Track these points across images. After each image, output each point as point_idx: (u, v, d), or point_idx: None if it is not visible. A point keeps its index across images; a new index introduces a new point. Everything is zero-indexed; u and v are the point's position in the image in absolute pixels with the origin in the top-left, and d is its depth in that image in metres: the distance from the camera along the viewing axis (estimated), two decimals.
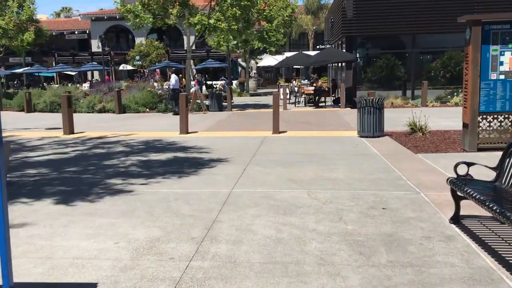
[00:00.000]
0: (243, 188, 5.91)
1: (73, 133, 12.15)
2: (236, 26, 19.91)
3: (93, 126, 14.67)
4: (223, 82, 31.92)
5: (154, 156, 8.50)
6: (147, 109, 20.32)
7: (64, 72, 41.03)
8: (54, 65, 42.61)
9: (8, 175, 6.66)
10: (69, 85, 36.89)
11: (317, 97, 21.17)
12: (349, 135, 10.90)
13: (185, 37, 21.26)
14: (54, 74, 42.76)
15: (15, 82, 43.22)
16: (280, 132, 11.51)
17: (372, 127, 10.43)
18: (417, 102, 19.41)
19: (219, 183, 6.23)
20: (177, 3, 19.55)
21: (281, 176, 6.60)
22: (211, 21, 19.44)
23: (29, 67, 40.22)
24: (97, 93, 22.84)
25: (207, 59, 39.29)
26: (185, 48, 21.38)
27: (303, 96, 22.89)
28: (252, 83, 37.53)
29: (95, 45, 42.73)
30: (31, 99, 22.21)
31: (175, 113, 16.90)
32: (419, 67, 21.33)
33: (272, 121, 11.54)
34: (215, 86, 30.62)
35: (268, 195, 5.55)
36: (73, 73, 43.30)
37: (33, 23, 29.47)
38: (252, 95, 32.05)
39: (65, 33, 48.38)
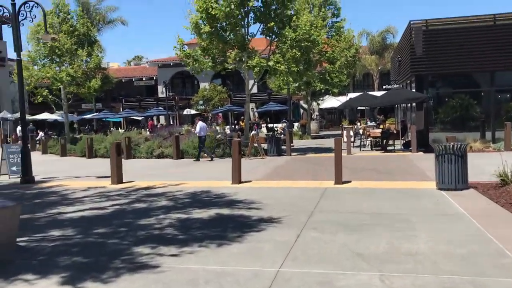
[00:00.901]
0: (294, 267, 4.63)
1: (121, 182, 11.47)
2: (296, 68, 19.04)
3: (145, 173, 14.03)
4: (283, 124, 31.00)
5: (197, 213, 7.44)
6: (205, 154, 19.63)
7: (131, 117, 42.10)
8: (121, 110, 43.91)
9: (28, 237, 5.83)
10: (134, 129, 37.64)
11: (384, 140, 19.55)
12: (426, 187, 9.31)
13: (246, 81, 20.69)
14: (121, 119, 43.96)
15: (86, 127, 44.90)
16: (343, 183, 10.14)
17: (454, 178, 8.81)
18: (500, 146, 17.26)
19: (265, 257, 4.99)
20: (236, 47, 19.08)
21: (345, 247, 5.24)
22: (270, 63, 18.71)
23: (97, 113, 41.71)
24: (157, 138, 22.61)
25: (268, 102, 38.80)
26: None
27: (369, 139, 21.32)
28: (314, 125, 36.32)
29: (161, 91, 43.75)
30: (93, 144, 22.33)
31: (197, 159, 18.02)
32: (498, 106, 19.24)
33: (334, 168, 10.23)
34: (275, 128, 29.77)
35: (327, 279, 4.23)
36: (139, 118, 44.36)
37: (100, 71, 30.31)
38: (314, 137, 30.78)
39: (133, 80, 50.19)
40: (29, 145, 25.82)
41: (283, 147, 19.63)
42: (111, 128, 41.47)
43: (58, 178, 13.15)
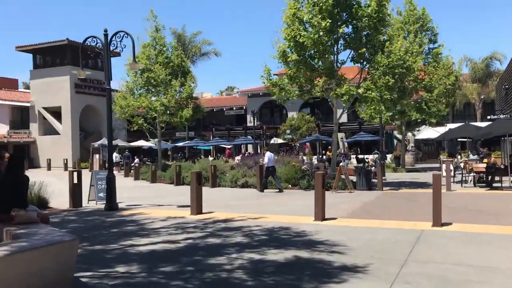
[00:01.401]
0: None
1: (200, 213, 11.11)
2: (389, 96, 17.86)
3: (227, 204, 13.63)
4: (375, 156, 29.43)
5: (272, 254, 6.71)
6: (289, 185, 18.94)
7: (220, 145, 42.79)
8: (211, 138, 44.87)
9: (92, 273, 5.49)
10: (222, 158, 38.10)
11: (490, 176, 17.50)
12: None
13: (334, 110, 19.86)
14: (211, 147, 44.86)
15: (179, 154, 46.45)
16: (442, 225, 8.87)
17: None
18: None
19: None
20: (324, 75, 18.41)
21: None
22: (360, 90, 17.75)
23: (189, 141, 42.97)
24: (242, 167, 22.40)
25: (359, 131, 37.39)
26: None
27: (472, 174, 19.26)
28: (409, 158, 34.19)
29: (249, 120, 44.16)
30: (181, 171, 22.62)
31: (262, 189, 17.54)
32: None
33: (431, 207, 8.99)
34: (366, 160, 28.33)
35: None
36: (228, 146, 45.01)
37: (192, 100, 31.15)
38: (408, 170, 28.81)
39: (224, 109, 51.38)
40: (116, 172, 26.91)
41: (374, 180, 18.34)
42: (201, 156, 42.44)
43: (142, 206, 13.17)
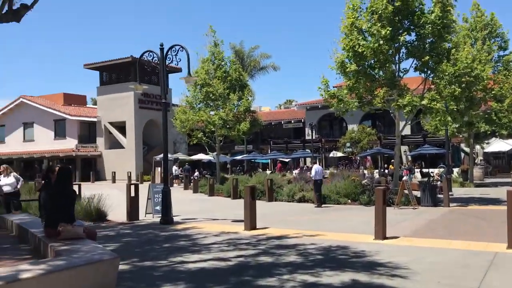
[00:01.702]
0: None
1: (254, 228, 10.79)
2: (456, 107, 16.81)
3: (282, 219, 13.23)
4: (440, 170, 27.91)
5: (327, 277, 6.23)
6: (349, 200, 18.23)
7: (278, 158, 42.48)
8: (269, 152, 44.67)
9: None
10: (289, 171, 37.72)
11: None
12: None
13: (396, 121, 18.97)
14: (269, 161, 44.66)
15: (238, 168, 46.66)
16: None
17: None
18: None
19: None
20: (385, 85, 17.64)
21: None
22: (424, 101, 16.82)
23: (247, 154, 43.01)
24: (299, 181, 21.92)
25: (423, 144, 35.75)
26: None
27: None
28: (477, 172, 32.13)
29: (307, 133, 43.59)
30: (238, 185, 22.49)
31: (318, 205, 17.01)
32: None
33: (506, 227, 8.12)
34: (431, 174, 26.89)
35: None
36: (286, 160, 44.60)
37: (250, 114, 31.15)
38: (477, 185, 27.04)
39: (282, 122, 51.15)
40: (176, 185, 27.14)
41: (440, 196, 17.26)
42: (259, 169, 42.31)
43: (197, 220, 13.05)
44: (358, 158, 37.42)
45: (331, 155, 41.09)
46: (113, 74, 44.39)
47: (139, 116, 42.66)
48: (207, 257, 7.62)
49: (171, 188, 31.06)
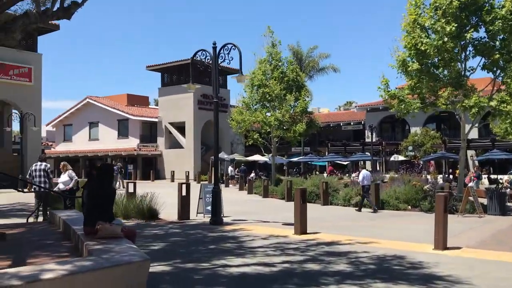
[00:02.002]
0: None
1: (305, 233, 10.36)
2: None
3: (335, 224, 12.71)
4: (511, 176, 26.01)
5: None
6: (409, 206, 17.32)
7: (335, 161, 41.58)
8: (326, 154, 43.85)
9: None
10: (338, 174, 36.86)
11: None
12: None
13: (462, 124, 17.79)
14: (326, 163, 43.80)
15: (294, 169, 46.21)
16: None
17: None
18: None
19: None
20: (450, 85, 16.58)
21: None
22: (493, 103, 15.64)
23: (303, 156, 42.45)
24: (356, 185, 21.16)
25: (492, 149, 33.61)
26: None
27: None
28: None
29: (367, 135, 42.35)
30: (292, 187, 22.07)
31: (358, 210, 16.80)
32: None
33: None
34: (500, 181, 25.11)
35: None
36: (344, 163, 43.56)
37: (306, 115, 30.61)
38: None
39: (341, 124, 50.05)
40: (232, 185, 27.04)
41: (509, 204, 15.98)
42: (316, 172, 41.61)
43: (247, 221, 12.80)
44: (421, 162, 35.78)
45: (392, 158, 39.59)
46: (174, 75, 45.31)
47: (198, 117, 43.25)
48: (251, 261, 7.31)
49: (226, 188, 31.35)
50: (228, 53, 11.92)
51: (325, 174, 37.54)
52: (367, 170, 17.55)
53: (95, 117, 49.09)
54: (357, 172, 33.08)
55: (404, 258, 7.74)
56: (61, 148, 51.84)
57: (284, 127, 28.93)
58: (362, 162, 42.75)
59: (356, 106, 50.65)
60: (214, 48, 12.19)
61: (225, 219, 13.01)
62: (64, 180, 12.45)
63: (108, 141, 47.65)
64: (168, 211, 13.31)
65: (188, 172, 40.02)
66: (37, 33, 32.82)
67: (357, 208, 17.10)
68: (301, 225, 10.34)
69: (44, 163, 12.35)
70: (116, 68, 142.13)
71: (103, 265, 3.80)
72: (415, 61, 16.52)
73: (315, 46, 48.04)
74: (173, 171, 41.03)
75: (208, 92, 44.56)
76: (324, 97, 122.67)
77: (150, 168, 44.67)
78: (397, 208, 17.26)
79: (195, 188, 14.64)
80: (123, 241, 5.08)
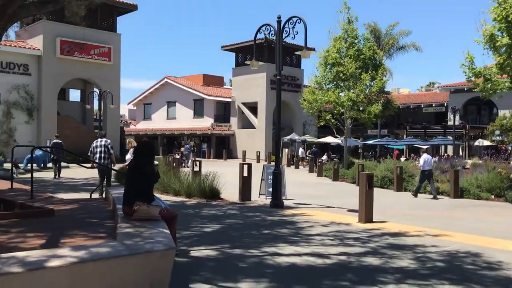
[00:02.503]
0: None
1: (370, 221, 9.60)
2: None
3: (405, 213, 11.76)
4: None
5: None
6: (492, 196, 15.79)
7: (413, 145, 39.44)
8: (405, 137, 41.72)
9: (210, 285, 4.67)
10: (416, 159, 34.92)
11: None
12: None
13: None
14: (404, 147, 41.72)
15: (370, 153, 44.59)
16: None
17: None
18: None
19: None
20: None
21: None
22: None
23: (379, 139, 40.70)
24: (434, 171, 19.70)
25: None
26: None
27: None
28: None
29: (450, 118, 39.64)
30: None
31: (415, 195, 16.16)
32: None
33: None
34: None
35: None
36: (424, 147, 41.22)
37: (383, 95, 29.02)
38: None
39: (422, 106, 47.35)
40: (302, 167, 26.43)
41: None
42: (393, 156, 39.79)
43: (310, 206, 12.22)
44: (509, 148, 32.88)
45: (476, 143, 36.80)
46: (247, 55, 45.10)
47: (270, 97, 42.76)
48: (304, 250, 6.76)
49: (296, 170, 30.81)
50: (293, 27, 11.23)
51: (402, 158, 35.76)
52: (428, 154, 16.79)
53: (173, 97, 50.38)
54: (437, 157, 31.09)
55: (480, 256, 6.81)
56: (141, 126, 53.99)
57: (359, 108, 27.71)
58: (443, 146, 40.32)
59: (438, 87, 47.55)
60: (279, 22, 11.55)
61: (287, 202, 12.53)
62: (127, 157, 12.58)
63: (184, 120, 48.80)
64: (232, 191, 13.07)
65: (259, 152, 39.95)
66: (117, 14, 33.93)
67: (413, 193, 16.36)
68: (366, 213, 9.59)
69: (104, 139, 12.51)
70: (192, 48, 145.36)
71: (121, 253, 3.45)
72: (505, 35, 14.79)
73: (396, 22, 45.77)
74: (245, 151, 41.16)
75: (282, 72, 44.03)
76: (405, 77, 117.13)
77: (223, 147, 45.23)
78: (478, 197, 15.80)
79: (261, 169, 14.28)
80: (159, 224, 4.75)
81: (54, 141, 20.15)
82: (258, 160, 39.11)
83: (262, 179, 13.59)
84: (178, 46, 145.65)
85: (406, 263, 6.26)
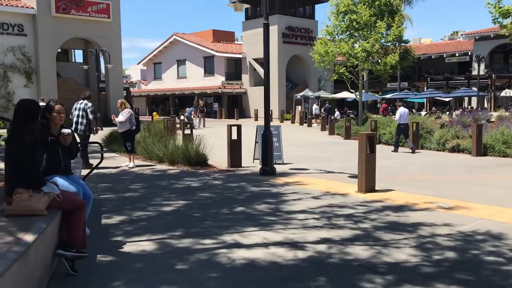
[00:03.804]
0: None
1: (372, 190, 8.04)
2: None
3: (417, 178, 10.17)
4: None
5: None
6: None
7: (435, 97, 37.17)
8: (425, 90, 39.35)
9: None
10: (437, 112, 32.81)
11: None
12: None
13: None
14: (424, 100, 39.43)
15: (388, 107, 42.42)
16: None
17: None
18: None
19: None
20: None
21: None
22: None
23: (398, 92, 38.49)
24: (455, 125, 17.89)
25: None
26: None
27: None
28: None
29: (474, 68, 36.99)
30: (377, 128, 19.33)
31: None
32: None
33: None
34: None
35: None
36: (447, 99, 38.87)
37: (401, 45, 26.72)
38: None
39: (444, 56, 44.53)
40: (315, 125, 24.73)
41: None
42: (413, 110, 37.67)
43: (307, 172, 10.70)
44: None
45: (502, 94, 34.37)
46: (257, 7, 42.63)
47: (283, 51, 40.69)
48: (275, 237, 5.29)
49: (308, 128, 29.15)
50: None
51: (423, 112, 33.68)
52: (404, 108, 16.41)
53: (182, 55, 48.53)
54: (460, 110, 28.94)
55: (503, 239, 5.24)
56: (152, 86, 52.61)
57: (375, 59, 25.63)
58: (466, 98, 37.88)
59: (462, 35, 44.44)
60: None
61: (283, 168, 11.06)
62: (120, 120, 11.04)
63: (194, 78, 47.14)
64: (224, 157, 11.60)
65: (272, 110, 38.25)
66: None
67: (393, 149, 15.95)
68: (366, 181, 8.01)
69: (85, 102, 11.07)
70: (201, 3, 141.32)
71: None
72: None
73: None
74: (257, 110, 39.47)
75: (294, 24, 41.58)
76: (427, 27, 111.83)
77: (236, 106, 43.61)
78: (505, 154, 14.05)
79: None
80: (38, 221, 3.31)
81: (40, 104, 18.82)
82: (271, 119, 37.47)
83: (256, 142, 12.09)
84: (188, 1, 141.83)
85: (406, 254, 4.74)
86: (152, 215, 6.29)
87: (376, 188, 8.16)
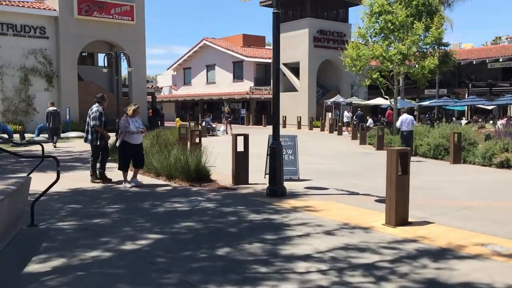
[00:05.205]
0: None
1: (404, 223, 6.23)
2: None
3: (461, 203, 8.24)
4: None
5: None
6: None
7: (477, 105, 34.48)
8: (466, 97, 36.68)
9: None
10: (480, 121, 30.28)
11: None
12: None
13: None
14: (465, 108, 36.74)
15: (426, 115, 39.93)
16: None
17: None
18: None
19: None
20: None
21: None
22: None
23: (437, 99, 36.02)
24: (504, 137, 15.68)
25: None
26: None
27: None
28: None
29: None
30: (413, 138, 17.28)
31: None
32: None
33: None
34: None
35: None
36: (489, 107, 36.09)
37: (440, 47, 24.51)
38: None
39: (487, 61, 41.55)
40: (346, 133, 22.85)
41: None
42: (453, 119, 35.14)
43: (326, 191, 8.94)
44: None
45: None
46: (288, 10, 41.00)
47: (314, 56, 38.81)
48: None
49: (338, 136, 27.22)
50: None
51: (463, 121, 31.13)
52: (408, 114, 16.49)
53: (212, 60, 47.45)
54: (505, 119, 26.36)
55: None
56: (181, 92, 51.77)
57: (412, 62, 23.55)
58: (511, 106, 35.00)
59: (507, 38, 41.38)
60: None
61: (297, 186, 9.35)
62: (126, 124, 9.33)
63: (223, 84, 45.93)
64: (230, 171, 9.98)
65: (300, 117, 36.48)
66: None
67: None
68: (396, 211, 6.21)
69: (95, 106, 9.61)
70: (231, 7, 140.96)
71: None
72: None
73: None
74: (285, 116, 37.71)
75: (326, 27, 39.65)
76: (468, 32, 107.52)
77: (265, 112, 42.01)
78: None
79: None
80: None
81: (50, 109, 17.81)
82: (299, 126, 35.71)
83: (267, 154, 10.38)
84: (218, 6, 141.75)
85: None
86: (101, 259, 4.70)
87: (410, 220, 6.36)
